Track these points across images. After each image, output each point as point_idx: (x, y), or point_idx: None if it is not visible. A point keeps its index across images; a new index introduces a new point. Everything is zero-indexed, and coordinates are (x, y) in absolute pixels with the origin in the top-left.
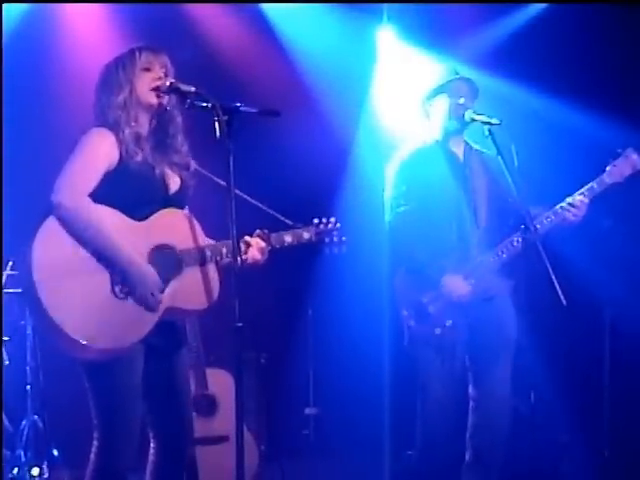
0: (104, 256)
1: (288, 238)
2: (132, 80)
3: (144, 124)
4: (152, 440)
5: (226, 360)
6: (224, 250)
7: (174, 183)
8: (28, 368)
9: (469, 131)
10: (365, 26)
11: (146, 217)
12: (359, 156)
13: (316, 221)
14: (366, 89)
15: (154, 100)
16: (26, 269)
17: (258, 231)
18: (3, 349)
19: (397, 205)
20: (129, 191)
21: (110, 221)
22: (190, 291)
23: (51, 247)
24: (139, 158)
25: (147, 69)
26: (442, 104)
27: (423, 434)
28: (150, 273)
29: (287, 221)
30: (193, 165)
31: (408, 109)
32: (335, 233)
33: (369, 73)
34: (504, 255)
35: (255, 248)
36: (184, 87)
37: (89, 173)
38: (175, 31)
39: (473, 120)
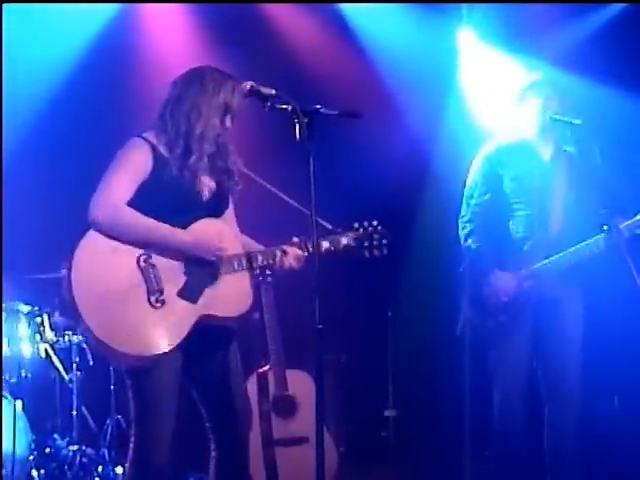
0: (156, 246)
1: (326, 244)
2: (203, 94)
3: (198, 138)
4: (211, 442)
5: (306, 361)
6: (260, 257)
7: (208, 190)
8: (112, 368)
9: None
10: (444, 26)
11: (182, 227)
12: (440, 156)
13: (356, 225)
14: (447, 89)
15: (218, 117)
16: (67, 288)
17: (295, 239)
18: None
19: (470, 196)
20: (160, 202)
21: None
22: (224, 299)
23: (90, 263)
24: (173, 171)
25: (220, 86)
26: (530, 104)
27: (495, 432)
28: (202, 236)
29: (327, 225)
30: (239, 168)
31: (490, 109)
32: (376, 236)
33: (450, 73)
34: (578, 258)
35: (291, 256)
36: (264, 90)
37: (123, 185)
38: (252, 32)
39: (555, 120)
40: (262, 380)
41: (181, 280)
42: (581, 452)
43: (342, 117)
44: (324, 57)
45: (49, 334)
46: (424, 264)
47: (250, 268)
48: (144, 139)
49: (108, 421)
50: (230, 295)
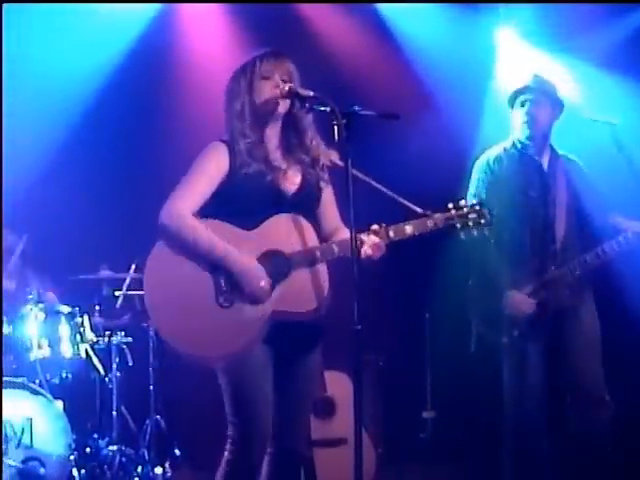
0: (213, 264)
1: (409, 228)
2: (251, 88)
3: (262, 132)
4: (270, 441)
5: (344, 362)
6: (336, 249)
7: (293, 185)
8: (151, 369)
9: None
10: (482, 25)
11: (257, 225)
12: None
13: (450, 205)
14: (485, 89)
15: (272, 107)
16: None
17: (374, 226)
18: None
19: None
20: (239, 202)
21: (218, 234)
22: (297, 294)
23: (160, 270)
24: (250, 170)
25: (267, 77)
26: (520, 109)
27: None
28: (255, 267)
29: (416, 209)
30: (327, 158)
31: None
32: (472, 216)
33: (488, 73)
34: (584, 266)
35: (368, 245)
36: (303, 91)
37: (196, 191)
38: (289, 32)
39: (594, 121)
40: None
41: None
42: (609, 455)
43: (381, 118)
44: (361, 57)
45: (89, 335)
46: (462, 265)
47: (324, 261)
48: (222, 141)
49: (147, 421)
50: (303, 291)
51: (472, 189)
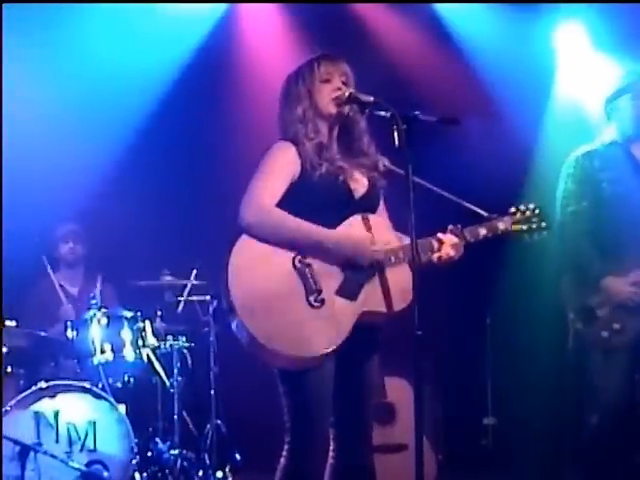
0: (311, 246)
1: (483, 231)
2: (311, 92)
3: (325, 134)
4: (332, 442)
5: (405, 368)
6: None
7: (361, 187)
8: (212, 374)
9: None
10: (543, 26)
11: (334, 225)
12: (541, 161)
13: (513, 210)
14: (547, 91)
15: (333, 110)
16: (225, 288)
17: (451, 227)
18: None
19: (567, 204)
20: (312, 202)
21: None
22: (384, 294)
23: (247, 267)
24: (322, 170)
25: (326, 80)
26: (625, 106)
27: (591, 440)
28: (359, 234)
29: (482, 212)
30: (383, 164)
31: (590, 110)
32: (535, 220)
33: (549, 74)
34: None
35: (448, 245)
36: (363, 97)
37: (272, 187)
38: (345, 32)
39: None
40: None
41: (339, 278)
42: None
43: (441, 123)
44: (417, 58)
45: (151, 339)
46: (523, 269)
47: (406, 262)
48: (290, 141)
49: (208, 426)
50: (391, 290)
51: (561, 184)
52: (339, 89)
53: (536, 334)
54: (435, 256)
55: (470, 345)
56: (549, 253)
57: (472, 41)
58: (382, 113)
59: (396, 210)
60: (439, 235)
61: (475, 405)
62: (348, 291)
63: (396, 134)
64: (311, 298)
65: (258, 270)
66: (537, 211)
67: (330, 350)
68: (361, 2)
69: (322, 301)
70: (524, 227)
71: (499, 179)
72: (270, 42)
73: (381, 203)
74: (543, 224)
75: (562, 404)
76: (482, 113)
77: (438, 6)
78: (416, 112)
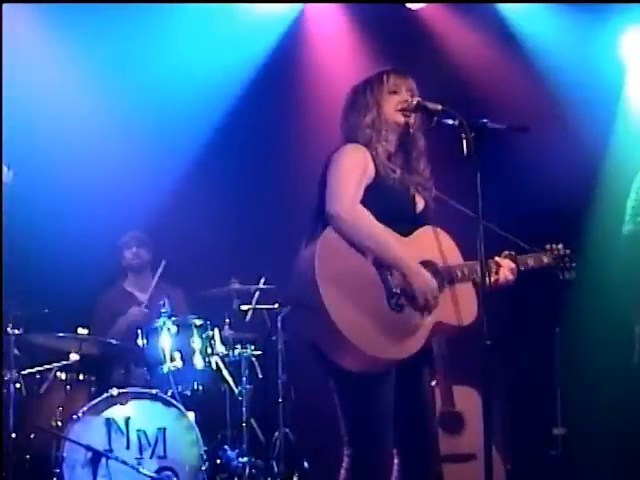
0: (385, 261)
1: (530, 261)
2: (380, 102)
3: (392, 144)
4: (396, 456)
5: (472, 377)
6: (477, 269)
7: (420, 202)
8: (280, 382)
9: None
10: (610, 27)
11: (404, 233)
12: (611, 169)
13: (548, 247)
14: (616, 95)
15: (401, 120)
16: (308, 281)
17: (506, 252)
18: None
19: (636, 214)
20: (382, 208)
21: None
22: (454, 307)
23: (332, 259)
24: (395, 175)
25: (394, 92)
26: None
27: None
28: (428, 275)
29: (524, 245)
30: (433, 190)
31: None
32: (566, 259)
33: (618, 78)
34: None
35: (506, 268)
36: (431, 105)
37: (355, 184)
38: (409, 34)
39: None
40: None
41: None
42: None
43: (510, 131)
44: (481, 61)
45: (220, 347)
46: (593, 279)
47: (470, 279)
48: (362, 145)
49: (277, 434)
50: (458, 304)
51: (632, 194)
52: (406, 101)
53: (604, 344)
54: (492, 279)
55: (539, 354)
56: (618, 263)
57: (537, 42)
58: (450, 121)
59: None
60: (497, 259)
61: (544, 415)
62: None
63: (464, 142)
64: (392, 301)
65: (343, 261)
66: (567, 251)
67: (407, 357)
68: (422, 2)
69: (401, 306)
70: (560, 264)
71: (567, 186)
72: (334, 43)
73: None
74: (573, 264)
75: (631, 415)
76: (548, 118)
77: (501, 6)
78: (484, 120)
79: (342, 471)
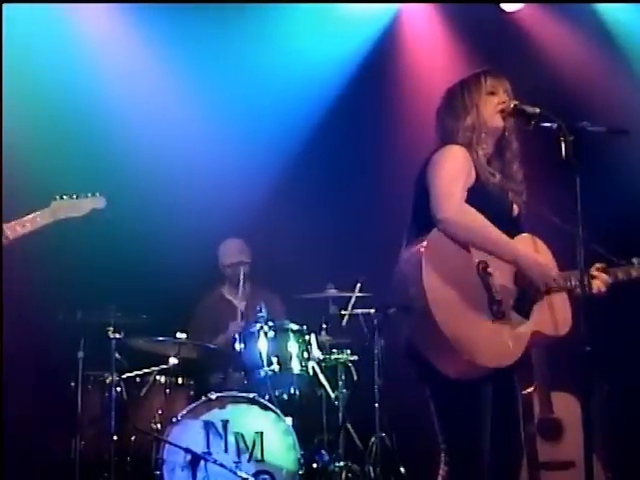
0: (502, 256)
1: (620, 274)
2: (478, 104)
3: (490, 147)
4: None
5: (572, 384)
6: (572, 279)
7: (516, 206)
8: (376, 387)
9: None
10: None
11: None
12: None
13: (635, 260)
14: None
15: (500, 123)
16: (413, 282)
17: (598, 264)
18: None
19: None
20: (484, 211)
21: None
22: (551, 317)
23: (438, 262)
24: (495, 180)
25: (492, 93)
26: None
27: None
28: (544, 261)
29: (612, 258)
30: (524, 195)
31: None
32: None
33: None
34: None
35: (600, 280)
36: (529, 109)
37: (462, 186)
38: (503, 35)
39: None
40: (527, 402)
41: (513, 293)
42: None
43: (610, 134)
44: (578, 63)
45: (316, 352)
46: None
47: (565, 289)
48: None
49: (373, 439)
50: (554, 314)
51: None
52: (504, 102)
53: None
54: (587, 290)
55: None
56: None
57: (636, 43)
58: (548, 125)
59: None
60: (591, 271)
61: None
62: (522, 308)
63: (563, 146)
64: (494, 308)
65: (447, 267)
66: None
67: (507, 365)
68: (517, 2)
69: (503, 313)
70: None
71: None
72: (428, 43)
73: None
74: None
75: None
76: None
77: (599, 6)
78: (583, 123)
79: (439, 478)
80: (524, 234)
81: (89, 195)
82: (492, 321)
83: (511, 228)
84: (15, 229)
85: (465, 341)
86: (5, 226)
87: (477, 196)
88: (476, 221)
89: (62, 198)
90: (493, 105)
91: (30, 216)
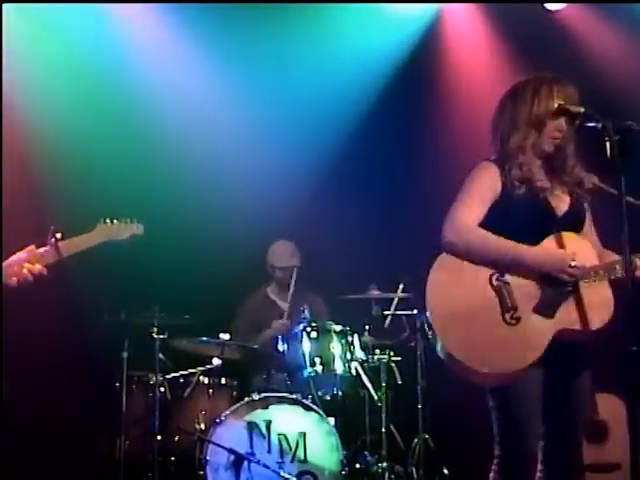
0: (507, 264)
1: None
2: (545, 122)
3: (541, 160)
4: (540, 463)
5: (618, 385)
6: (617, 267)
7: (563, 204)
8: (419, 388)
9: None
10: None
11: (536, 244)
12: None
13: None
14: None
15: (556, 142)
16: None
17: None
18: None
19: None
20: (513, 221)
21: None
22: (583, 312)
23: (441, 282)
24: (523, 189)
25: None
26: None
27: None
28: (556, 251)
29: None
30: (589, 181)
31: None
32: None
33: None
34: None
35: None
36: (573, 108)
37: (475, 208)
38: (548, 35)
39: None
40: None
41: (536, 296)
42: None
43: None
44: (626, 64)
45: (359, 353)
46: None
47: (609, 279)
48: (491, 161)
49: (416, 440)
50: (589, 308)
51: None
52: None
53: None
54: (638, 273)
55: None
56: None
57: None
58: (592, 124)
59: (609, 227)
60: (635, 258)
61: None
62: (545, 309)
63: (608, 146)
64: (507, 315)
65: (454, 287)
66: None
67: (523, 367)
68: (562, 2)
69: (518, 319)
70: None
71: None
72: (470, 43)
73: (587, 221)
74: None
75: None
76: None
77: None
78: (629, 122)
79: (491, 473)
80: (564, 232)
81: (128, 221)
82: (506, 328)
83: (556, 227)
84: (69, 248)
85: (474, 354)
86: (60, 244)
87: (505, 207)
88: (475, 243)
89: (105, 222)
90: (556, 125)
91: (78, 238)
